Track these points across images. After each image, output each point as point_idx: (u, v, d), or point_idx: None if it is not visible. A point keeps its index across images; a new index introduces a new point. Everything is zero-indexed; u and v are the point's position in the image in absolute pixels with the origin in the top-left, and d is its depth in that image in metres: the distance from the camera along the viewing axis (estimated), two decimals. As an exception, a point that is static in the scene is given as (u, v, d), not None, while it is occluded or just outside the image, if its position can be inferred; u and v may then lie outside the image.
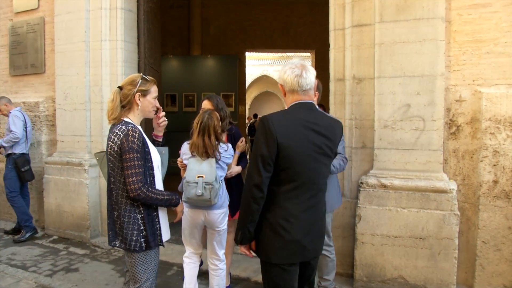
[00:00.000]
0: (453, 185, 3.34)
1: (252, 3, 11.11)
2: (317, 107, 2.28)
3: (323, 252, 3.28)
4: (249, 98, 33.03)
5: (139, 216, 2.27)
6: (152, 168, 2.34)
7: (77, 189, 5.03)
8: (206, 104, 3.42)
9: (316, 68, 9.49)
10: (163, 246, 2.42)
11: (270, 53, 30.24)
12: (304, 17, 11.08)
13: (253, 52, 23.69)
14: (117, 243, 2.33)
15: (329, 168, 2.22)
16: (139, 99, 2.33)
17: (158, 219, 2.37)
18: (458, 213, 3.30)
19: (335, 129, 2.16)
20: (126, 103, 2.31)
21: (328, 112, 3.73)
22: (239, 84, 10.94)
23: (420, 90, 3.39)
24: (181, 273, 4.06)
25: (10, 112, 5.19)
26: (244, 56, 11.86)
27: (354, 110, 3.70)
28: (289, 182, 2.04)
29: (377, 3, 3.50)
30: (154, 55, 5.62)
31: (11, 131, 5.09)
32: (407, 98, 3.43)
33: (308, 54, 16.75)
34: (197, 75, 10.36)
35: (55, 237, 5.24)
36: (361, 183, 3.59)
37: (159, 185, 2.41)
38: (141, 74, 2.44)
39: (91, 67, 5.01)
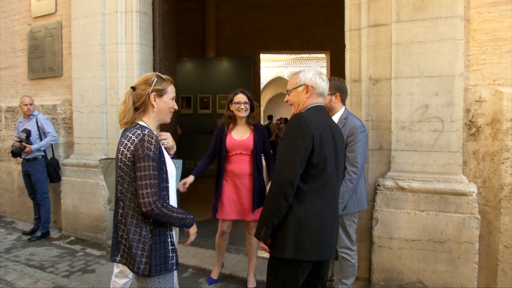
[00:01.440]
0: (473, 188, 3.25)
1: (266, 5, 11.09)
2: None
3: (344, 255, 3.23)
4: (264, 100, 33.01)
5: (150, 235, 1.97)
6: (166, 180, 2.04)
7: (93, 191, 5.06)
8: (241, 97, 3.56)
9: (332, 70, 9.49)
10: (177, 270, 2.14)
11: (284, 55, 30.20)
12: (318, 18, 11.02)
13: (267, 54, 23.71)
14: (120, 259, 2.04)
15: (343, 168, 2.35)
16: (155, 100, 2.07)
17: (173, 239, 2.07)
18: (479, 216, 3.20)
19: (341, 132, 2.39)
20: (140, 105, 2.05)
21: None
22: (253, 86, 10.92)
23: (439, 90, 3.31)
24: (197, 275, 4.05)
25: (33, 114, 5.30)
26: (259, 58, 11.85)
27: (370, 111, 3.63)
28: (318, 180, 2.09)
29: (393, 2, 3.44)
30: (169, 58, 5.64)
31: (47, 133, 5.23)
32: (425, 99, 3.36)
33: (323, 55, 16.66)
34: (211, 77, 10.39)
35: (72, 238, 5.28)
36: (378, 185, 3.53)
37: (173, 200, 2.12)
38: (157, 72, 2.19)
39: (107, 70, 5.04)
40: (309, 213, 2.07)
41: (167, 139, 2.27)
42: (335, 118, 3.17)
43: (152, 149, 1.92)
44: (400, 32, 3.42)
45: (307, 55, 31.04)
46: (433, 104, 3.33)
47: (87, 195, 5.10)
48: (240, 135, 3.60)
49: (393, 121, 3.48)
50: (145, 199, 1.87)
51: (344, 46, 3.84)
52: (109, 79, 5.04)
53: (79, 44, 5.21)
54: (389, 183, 3.46)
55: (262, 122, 16.78)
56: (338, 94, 3.22)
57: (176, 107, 2.22)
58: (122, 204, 2.02)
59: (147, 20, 5.08)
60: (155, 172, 1.91)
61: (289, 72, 33.02)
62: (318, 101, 2.27)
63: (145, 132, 1.95)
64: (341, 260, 3.29)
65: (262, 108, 26.80)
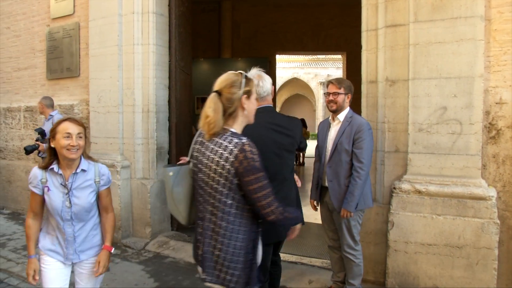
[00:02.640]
0: (492, 192, 3.17)
1: (282, 6, 11.05)
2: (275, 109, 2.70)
3: (347, 255, 3.20)
4: (279, 101, 33.01)
5: (249, 246, 1.89)
6: None
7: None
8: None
9: (348, 71, 9.43)
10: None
11: (300, 56, 30.12)
12: (335, 19, 10.94)
13: (283, 55, 23.67)
14: (215, 279, 1.88)
15: (293, 160, 2.61)
16: (245, 103, 1.90)
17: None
18: (498, 221, 3.12)
19: (294, 126, 2.55)
20: (233, 110, 1.88)
21: (360, 115, 3.63)
22: (269, 87, 10.89)
23: (457, 92, 3.24)
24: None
25: (51, 115, 5.36)
26: (275, 59, 11.83)
27: (387, 113, 3.58)
28: None
29: (411, 2, 3.38)
30: (185, 58, 5.66)
31: None
32: (443, 101, 3.29)
33: (339, 56, 16.56)
34: (227, 78, 10.41)
35: (88, 236, 5.33)
36: (394, 188, 3.47)
37: None
38: (240, 71, 1.99)
39: (123, 71, 5.09)
40: None
41: None
42: (341, 116, 3.22)
43: (256, 159, 1.80)
44: (418, 33, 3.36)
45: (323, 56, 30.93)
46: (451, 106, 3.27)
47: (102, 194, 5.16)
48: None
49: (410, 123, 3.42)
50: (269, 208, 1.80)
51: (360, 46, 3.79)
52: (125, 80, 5.09)
53: (97, 45, 5.27)
54: (405, 186, 3.40)
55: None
56: (350, 95, 3.25)
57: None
58: (212, 217, 1.87)
59: (163, 21, 5.12)
60: (266, 181, 1.82)
61: (306, 73, 33.01)
62: (258, 104, 2.30)
63: (244, 141, 1.80)
64: (345, 260, 3.26)
65: (277, 109, 26.76)
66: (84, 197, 2.33)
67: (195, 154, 1.96)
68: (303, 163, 14.31)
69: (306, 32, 11.24)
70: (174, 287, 3.83)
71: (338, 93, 3.18)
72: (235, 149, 1.77)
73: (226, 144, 1.80)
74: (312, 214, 6.59)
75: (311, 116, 34.57)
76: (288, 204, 2.32)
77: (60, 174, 2.27)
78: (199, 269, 1.97)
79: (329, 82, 3.28)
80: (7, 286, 3.85)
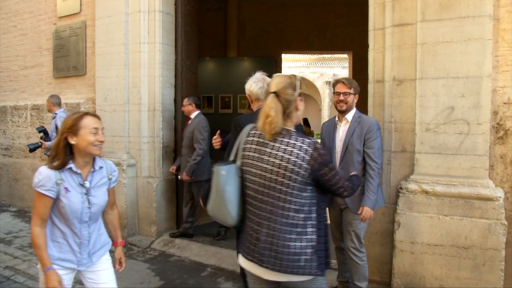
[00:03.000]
0: (500, 193, 3.15)
1: (289, 5, 11.04)
2: None
3: (352, 256, 3.19)
4: (285, 100, 32.91)
5: (313, 234, 1.97)
6: None
7: (115, 189, 5.12)
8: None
9: (354, 70, 9.38)
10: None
11: (306, 55, 30.08)
12: (341, 18, 10.90)
13: (289, 54, 23.60)
14: (280, 269, 1.93)
15: None
16: (299, 104, 2.04)
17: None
18: (506, 222, 3.10)
19: None
20: (290, 110, 1.98)
21: (367, 115, 3.62)
22: (275, 86, 10.87)
23: (465, 92, 3.23)
24: (215, 274, 4.06)
25: (56, 113, 5.39)
26: (280, 58, 11.80)
27: (393, 113, 3.57)
28: None
29: (419, 1, 3.36)
30: (191, 57, 5.67)
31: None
32: (451, 101, 3.28)
33: (346, 55, 16.51)
34: (233, 77, 10.39)
35: (93, 234, 5.36)
36: (401, 188, 3.46)
37: None
38: (292, 74, 2.10)
39: (130, 69, 5.11)
40: None
41: None
42: (349, 116, 3.22)
43: (326, 153, 1.99)
44: (425, 32, 3.35)
45: (329, 55, 30.86)
46: (459, 105, 3.25)
47: (108, 193, 5.18)
48: None
49: (417, 123, 3.41)
50: (342, 189, 2.03)
51: (367, 46, 3.78)
52: (131, 78, 5.11)
53: (103, 44, 5.29)
54: (412, 186, 3.39)
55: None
56: (357, 95, 3.25)
57: None
58: (271, 215, 1.96)
59: (169, 20, 5.13)
60: (334, 168, 2.15)
61: (312, 72, 32.94)
62: (259, 104, 2.89)
63: (313, 140, 1.97)
64: (351, 263, 3.24)
65: (283, 109, 26.71)
66: (101, 196, 2.26)
67: (251, 154, 2.03)
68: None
69: (312, 31, 11.22)
70: (179, 285, 3.85)
71: (349, 93, 3.16)
72: (310, 148, 1.91)
73: (299, 144, 1.92)
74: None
75: (317, 115, 34.52)
76: None
77: (79, 174, 2.14)
78: (245, 262, 2.07)
79: (339, 82, 3.25)
80: (13, 283, 3.88)
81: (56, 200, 2.10)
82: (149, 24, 5.00)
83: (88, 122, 2.10)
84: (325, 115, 33.43)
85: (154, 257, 4.57)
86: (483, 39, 3.15)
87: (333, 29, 11.11)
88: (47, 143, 5.29)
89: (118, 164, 5.05)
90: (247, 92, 2.99)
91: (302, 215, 1.94)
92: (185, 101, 4.97)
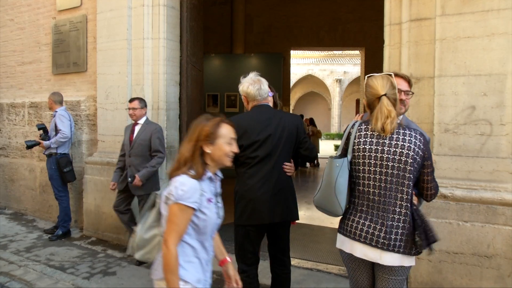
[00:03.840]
0: (524, 198, 3.11)
1: (298, -1, 11.03)
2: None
3: None
4: (293, 98, 32.94)
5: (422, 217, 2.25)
6: None
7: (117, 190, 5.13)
8: None
9: (366, 67, 9.35)
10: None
11: (316, 52, 30.04)
12: (353, 12, 10.87)
13: (298, 51, 23.61)
14: (402, 250, 2.19)
15: (290, 151, 3.04)
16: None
17: None
18: (531, 229, 3.06)
19: (292, 121, 3.07)
20: (398, 109, 2.27)
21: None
22: (283, 84, 10.87)
23: (487, 90, 3.19)
24: (221, 281, 4.03)
25: (56, 111, 5.41)
26: (289, 55, 11.79)
27: (410, 112, 3.52)
28: (247, 166, 2.95)
29: (438, -6, 3.34)
30: (197, 54, 5.67)
31: (58, 130, 5.30)
32: (472, 100, 3.24)
33: (357, 52, 16.45)
34: (239, 74, 10.37)
35: (93, 238, 5.38)
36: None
37: None
38: (389, 73, 2.32)
39: (133, 66, 5.12)
40: (241, 190, 2.95)
41: None
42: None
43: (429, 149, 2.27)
44: (445, 27, 3.31)
45: (340, 52, 30.81)
46: (480, 105, 3.21)
47: (110, 194, 5.16)
48: None
49: (436, 123, 3.37)
50: (434, 189, 2.31)
51: (380, 41, 3.76)
52: (134, 75, 5.11)
53: (105, 39, 5.30)
54: (430, 190, 3.35)
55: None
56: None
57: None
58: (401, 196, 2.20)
59: (174, 14, 5.13)
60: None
61: (321, 69, 32.87)
62: (258, 103, 3.08)
63: (420, 131, 2.31)
64: None
65: (291, 107, 26.68)
66: (221, 204, 2.15)
67: (368, 147, 2.23)
68: (317, 164, 14.20)
69: (322, 26, 11.19)
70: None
71: (410, 93, 2.60)
72: (422, 139, 2.21)
73: (414, 134, 2.20)
74: (327, 218, 6.57)
75: (326, 115, 34.50)
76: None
77: (215, 183, 2.07)
78: (358, 247, 2.27)
79: (397, 75, 2.53)
80: (9, 290, 3.90)
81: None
82: (153, 18, 4.99)
83: (226, 132, 2.02)
84: (335, 115, 33.40)
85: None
86: (507, 34, 3.11)
87: (345, 24, 11.08)
88: (45, 142, 5.31)
89: (119, 165, 5.04)
90: (242, 93, 3.13)
91: (409, 204, 2.21)
92: (136, 103, 4.50)
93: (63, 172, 5.35)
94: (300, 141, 3.09)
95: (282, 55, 10.86)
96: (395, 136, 2.19)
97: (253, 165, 2.92)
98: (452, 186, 3.31)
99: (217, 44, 11.17)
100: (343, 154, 2.36)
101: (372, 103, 2.25)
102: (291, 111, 23.57)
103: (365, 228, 2.24)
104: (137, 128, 4.54)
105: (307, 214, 6.84)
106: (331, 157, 2.36)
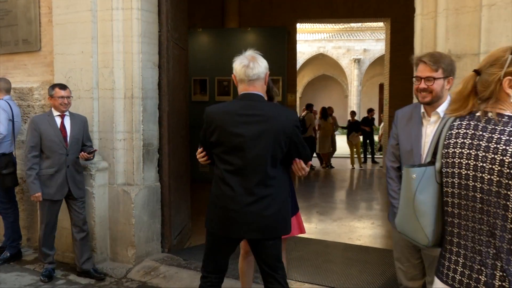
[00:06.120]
0: None
1: (306, -42, 11.02)
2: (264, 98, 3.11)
3: None
4: (300, 84, 32.94)
5: None
6: None
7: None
8: None
9: (392, 43, 9.41)
10: None
11: (328, 24, 30.03)
12: (375, -25, 10.87)
13: (306, 24, 23.59)
14: None
15: (279, 153, 2.97)
16: (506, 87, 1.82)
17: None
18: None
19: (282, 122, 2.97)
20: (487, 96, 1.86)
21: (412, 102, 3.56)
22: (288, 66, 10.86)
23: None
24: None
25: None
26: (295, 29, 11.81)
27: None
28: (221, 167, 3.03)
29: (484, -51, 3.32)
30: (179, 28, 5.66)
31: None
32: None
33: (381, 24, 16.44)
34: (233, 54, 10.36)
35: (52, 261, 5.35)
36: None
37: None
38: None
39: (99, 44, 5.09)
40: (214, 194, 3.06)
41: None
42: (441, 110, 2.85)
43: None
44: (494, -11, 3.31)
45: (359, 25, 30.86)
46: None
47: (71, 206, 5.17)
48: None
49: (482, 110, 3.36)
50: None
51: (409, 11, 3.75)
52: (101, 56, 5.09)
53: (63, 10, 5.26)
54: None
55: (298, 112, 16.64)
56: (452, 78, 2.86)
57: None
58: (490, 238, 1.80)
59: (150, -23, 5.11)
60: None
61: (335, 47, 32.85)
62: (245, 88, 3.02)
63: None
64: None
65: (298, 95, 26.72)
66: None
67: (459, 151, 1.89)
68: (329, 165, 14.11)
69: (337, -7, 11.19)
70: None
71: (434, 78, 2.74)
72: None
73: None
74: (344, 232, 6.56)
75: (342, 103, 34.49)
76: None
77: None
78: None
79: (420, 61, 2.85)
80: None
81: None
82: (124, -17, 4.97)
83: None
84: (353, 104, 33.39)
85: (133, 291, 4.55)
86: None
87: (365, -10, 11.07)
88: None
89: (84, 169, 5.03)
90: (234, 72, 3.12)
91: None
92: (69, 91, 4.80)
93: (1, 174, 5.25)
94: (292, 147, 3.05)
95: (286, 29, 10.84)
96: (495, 135, 1.80)
97: (228, 166, 2.99)
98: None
99: (205, 16, 11.15)
100: (432, 162, 2.06)
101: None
102: (298, 99, 23.58)
103: (456, 272, 1.91)
104: (67, 121, 4.79)
105: (319, 228, 6.85)
106: (407, 166, 2.13)
